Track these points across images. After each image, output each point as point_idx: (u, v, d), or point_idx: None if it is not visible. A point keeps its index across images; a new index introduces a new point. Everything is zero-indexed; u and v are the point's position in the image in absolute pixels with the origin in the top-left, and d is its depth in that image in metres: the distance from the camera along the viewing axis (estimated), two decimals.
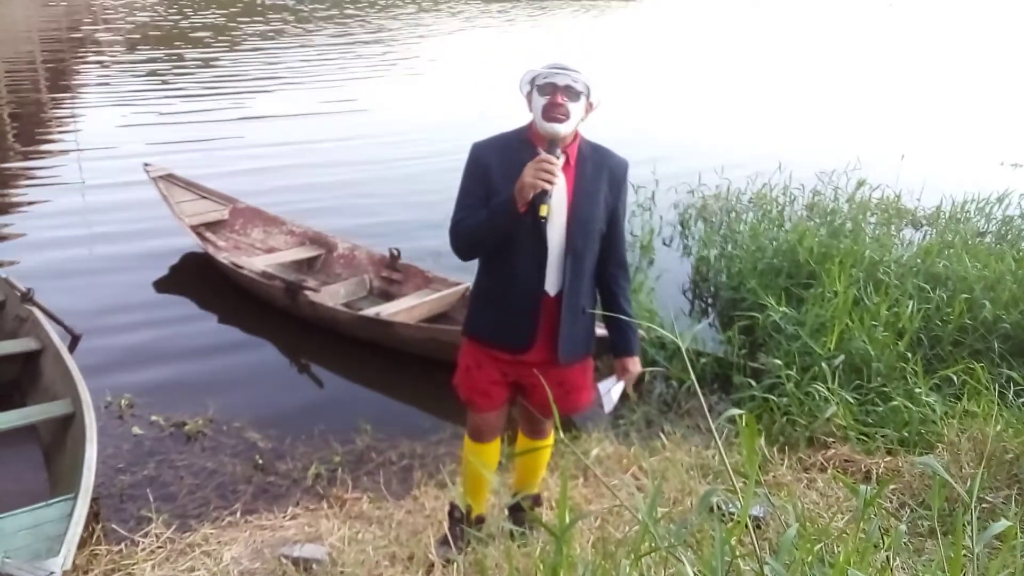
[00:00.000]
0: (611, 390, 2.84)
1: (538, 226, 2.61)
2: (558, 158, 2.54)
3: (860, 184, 7.74)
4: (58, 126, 10.11)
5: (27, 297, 4.69)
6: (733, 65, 17.29)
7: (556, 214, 2.65)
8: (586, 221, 2.70)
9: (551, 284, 2.74)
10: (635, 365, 2.92)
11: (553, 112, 2.58)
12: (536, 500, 3.25)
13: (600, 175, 2.72)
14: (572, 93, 2.60)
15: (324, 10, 22.55)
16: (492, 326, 2.86)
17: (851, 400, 4.19)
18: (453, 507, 3.22)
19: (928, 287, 5.23)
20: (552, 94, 2.59)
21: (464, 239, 2.72)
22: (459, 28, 20.81)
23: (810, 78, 16.37)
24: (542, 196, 2.50)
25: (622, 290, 2.89)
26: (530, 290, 2.75)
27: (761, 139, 10.84)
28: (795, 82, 15.81)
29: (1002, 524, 1.73)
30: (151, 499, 3.63)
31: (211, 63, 13.90)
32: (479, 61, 16.34)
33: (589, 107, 2.69)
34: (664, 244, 7.17)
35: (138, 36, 15.75)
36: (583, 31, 22.07)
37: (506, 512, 3.20)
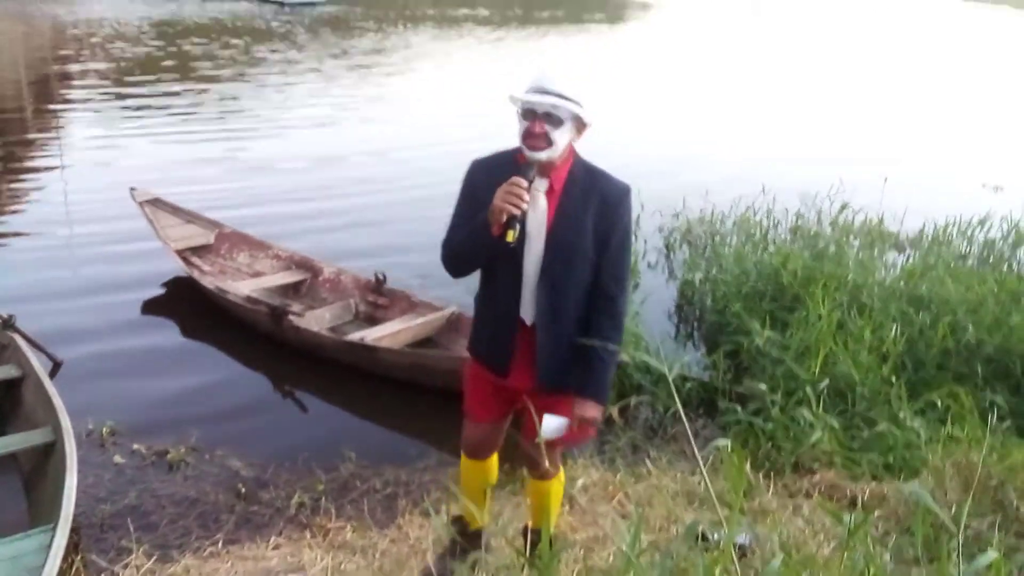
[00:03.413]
0: (552, 422, 2.65)
1: (514, 251, 2.55)
2: (531, 180, 2.45)
3: (843, 207, 7.80)
4: (43, 151, 10.05)
5: (8, 323, 4.64)
6: (715, 87, 17.44)
7: (534, 239, 2.59)
8: (566, 247, 2.59)
9: (527, 312, 2.69)
10: (585, 409, 2.68)
11: (531, 141, 2.50)
12: (537, 534, 3.21)
13: (588, 200, 2.59)
14: (553, 119, 2.49)
15: (323, 26, 22.61)
16: (480, 345, 2.87)
17: (836, 425, 4.20)
18: (456, 518, 3.21)
19: (911, 310, 5.26)
20: (532, 121, 2.50)
21: (449, 257, 2.70)
22: (451, 50, 20.93)
23: (792, 100, 16.53)
24: (511, 221, 2.43)
25: (598, 324, 2.67)
26: (506, 316, 2.71)
27: (744, 162, 10.93)
28: (777, 104, 15.96)
29: (989, 556, 1.74)
30: (132, 529, 3.58)
31: (202, 92, 13.84)
32: (473, 83, 16.37)
33: (581, 126, 2.57)
34: (649, 267, 7.20)
35: (126, 65, 15.69)
36: (571, 53, 22.22)
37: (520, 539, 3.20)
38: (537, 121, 2.49)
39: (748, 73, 19.72)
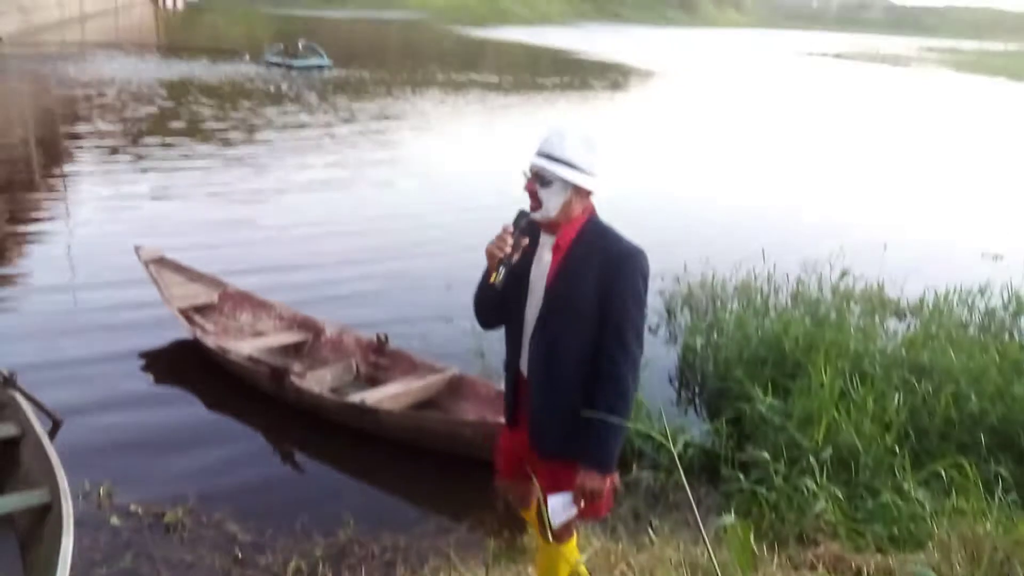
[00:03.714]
0: (558, 502, 2.58)
1: (518, 304, 2.66)
2: (520, 227, 2.56)
3: (843, 274, 7.83)
4: (50, 211, 10.14)
5: (9, 381, 4.63)
6: (715, 152, 17.65)
7: (535, 293, 2.65)
8: (562, 302, 2.58)
9: (525, 365, 2.72)
10: (587, 480, 2.57)
11: (529, 198, 2.61)
12: None
13: (591, 259, 2.57)
14: (540, 180, 2.55)
15: (332, 89, 22.93)
16: (503, 398, 2.95)
17: (840, 495, 4.16)
18: None
19: (913, 379, 5.25)
20: (529, 179, 2.59)
21: (473, 306, 2.82)
22: (462, 116, 21.25)
23: (791, 166, 16.71)
24: (498, 265, 2.53)
25: (601, 388, 2.58)
26: (511, 368, 2.80)
27: (745, 227, 11.01)
28: (776, 170, 16.13)
29: None
30: None
31: (212, 154, 13.93)
32: (486, 149, 16.52)
33: (578, 193, 2.57)
34: (650, 331, 7.19)
35: (136, 126, 15.84)
36: (580, 120, 22.54)
37: None
38: (529, 181, 2.59)
39: (747, 139, 19.97)
